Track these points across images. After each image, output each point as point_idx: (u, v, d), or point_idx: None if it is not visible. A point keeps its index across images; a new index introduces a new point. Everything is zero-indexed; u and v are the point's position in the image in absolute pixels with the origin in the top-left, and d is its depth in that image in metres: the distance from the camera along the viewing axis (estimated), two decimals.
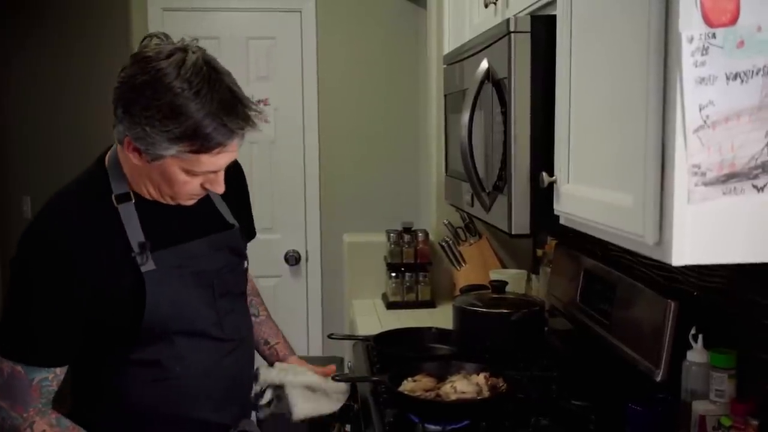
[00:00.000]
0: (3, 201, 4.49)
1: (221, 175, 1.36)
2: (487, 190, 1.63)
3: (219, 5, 3.60)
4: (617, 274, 1.77)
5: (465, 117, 1.60)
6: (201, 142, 1.25)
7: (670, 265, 0.97)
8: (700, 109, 0.92)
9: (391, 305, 2.82)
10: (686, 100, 0.92)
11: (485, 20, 1.92)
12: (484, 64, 1.58)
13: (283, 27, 3.61)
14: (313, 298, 3.72)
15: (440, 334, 2.20)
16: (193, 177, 1.32)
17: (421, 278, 2.84)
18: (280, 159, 3.64)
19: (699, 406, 1.37)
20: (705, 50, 0.91)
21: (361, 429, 1.76)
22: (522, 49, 1.43)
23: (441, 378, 1.79)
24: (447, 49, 2.41)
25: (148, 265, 1.35)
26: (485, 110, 1.60)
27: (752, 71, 0.92)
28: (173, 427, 1.45)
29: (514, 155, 1.46)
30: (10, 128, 4.35)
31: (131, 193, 1.38)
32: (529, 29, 1.43)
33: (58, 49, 3.98)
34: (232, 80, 1.30)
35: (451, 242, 2.78)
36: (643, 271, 1.77)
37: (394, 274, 2.83)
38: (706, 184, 0.93)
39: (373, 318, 2.71)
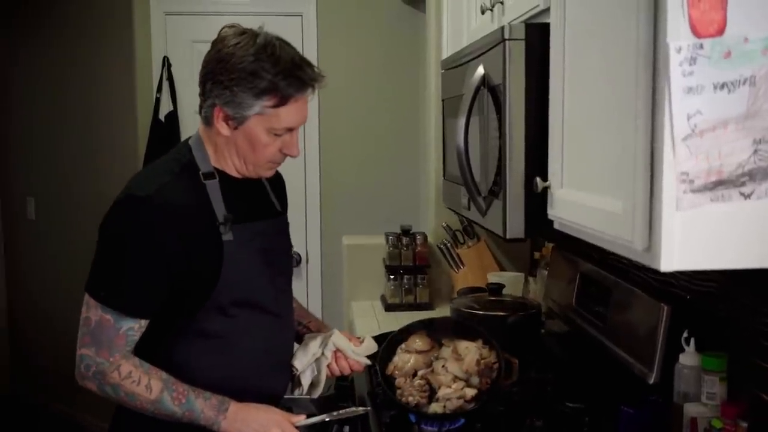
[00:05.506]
0: (7, 202, 4.50)
1: (296, 138, 1.54)
2: (483, 195, 1.64)
3: (221, 9, 3.61)
4: (613, 278, 1.79)
5: (461, 122, 1.61)
6: (280, 94, 1.45)
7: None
8: (688, 118, 0.94)
9: (389, 307, 2.84)
10: (674, 109, 0.93)
11: (482, 26, 1.94)
12: (480, 70, 1.60)
13: (284, 31, 3.52)
14: (313, 299, 3.73)
15: None
16: (273, 139, 1.49)
17: (419, 280, 2.85)
18: None
19: (691, 409, 1.39)
20: (693, 60, 0.93)
21: (359, 429, 1.78)
22: (516, 56, 1.45)
23: (437, 341, 1.85)
24: (445, 54, 2.42)
25: (227, 236, 1.49)
26: (481, 116, 1.62)
27: (739, 81, 0.93)
28: (229, 396, 1.51)
29: (509, 160, 1.48)
30: (15, 130, 4.37)
31: (215, 172, 1.53)
32: (523, 37, 1.44)
33: (62, 53, 4.00)
34: (297, 51, 1.54)
35: (449, 245, 2.80)
36: (637, 275, 1.78)
37: (392, 277, 2.85)
38: (694, 191, 0.95)
39: (371, 320, 2.72)
